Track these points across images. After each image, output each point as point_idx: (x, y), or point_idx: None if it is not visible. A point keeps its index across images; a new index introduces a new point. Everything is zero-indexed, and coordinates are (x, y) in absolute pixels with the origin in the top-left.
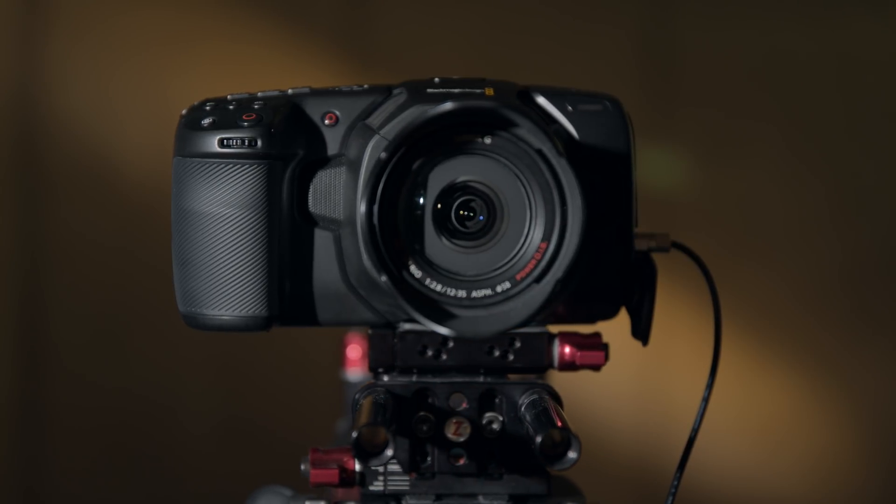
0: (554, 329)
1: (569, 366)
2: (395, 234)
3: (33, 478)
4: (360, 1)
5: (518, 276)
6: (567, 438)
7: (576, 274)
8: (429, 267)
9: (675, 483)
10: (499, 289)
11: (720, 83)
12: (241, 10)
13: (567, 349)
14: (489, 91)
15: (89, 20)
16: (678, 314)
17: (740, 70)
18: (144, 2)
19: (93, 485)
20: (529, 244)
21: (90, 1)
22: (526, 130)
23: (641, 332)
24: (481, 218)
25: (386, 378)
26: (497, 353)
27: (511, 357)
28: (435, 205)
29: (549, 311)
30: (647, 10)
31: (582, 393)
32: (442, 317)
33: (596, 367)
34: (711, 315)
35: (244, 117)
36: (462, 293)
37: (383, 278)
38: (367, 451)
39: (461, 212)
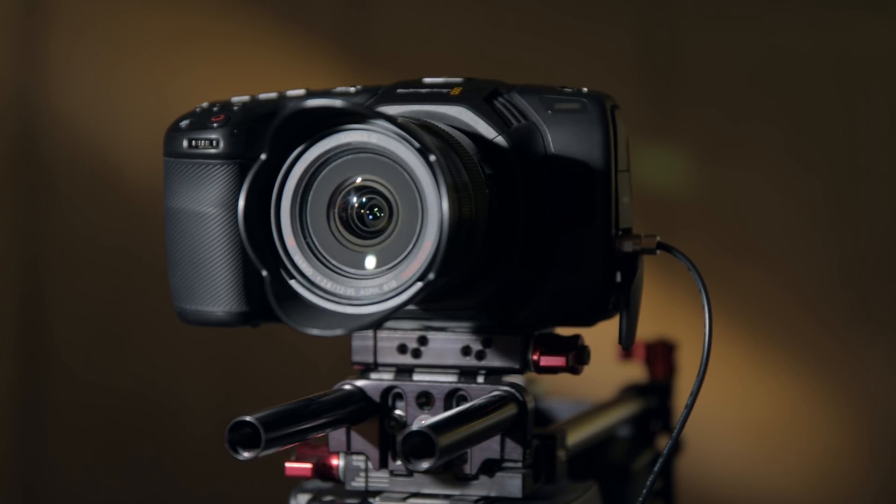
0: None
1: (541, 368)
2: (281, 232)
3: (33, 476)
4: (360, 1)
5: (404, 276)
6: (432, 445)
7: (449, 273)
8: (320, 264)
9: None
10: (385, 287)
11: (720, 83)
12: (241, 11)
13: (537, 352)
14: (455, 91)
15: (89, 20)
16: (678, 314)
17: (740, 70)
18: (144, 2)
19: (93, 484)
20: (419, 243)
21: (90, 1)
22: (382, 129)
23: (621, 336)
24: (371, 217)
25: (372, 375)
26: (472, 355)
27: (486, 359)
28: (329, 202)
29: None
30: (647, 10)
31: (582, 392)
32: (305, 316)
33: (569, 370)
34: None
35: (212, 119)
36: (351, 291)
37: (264, 273)
38: (236, 443)
39: (362, 210)
